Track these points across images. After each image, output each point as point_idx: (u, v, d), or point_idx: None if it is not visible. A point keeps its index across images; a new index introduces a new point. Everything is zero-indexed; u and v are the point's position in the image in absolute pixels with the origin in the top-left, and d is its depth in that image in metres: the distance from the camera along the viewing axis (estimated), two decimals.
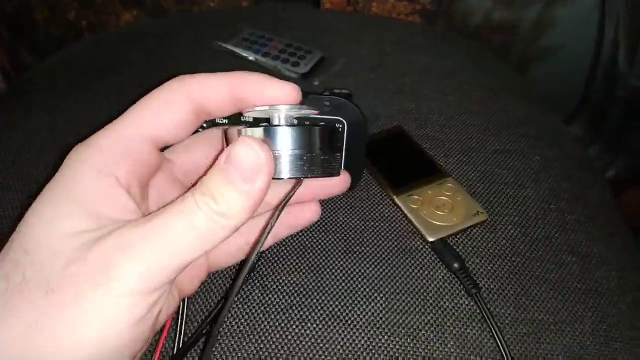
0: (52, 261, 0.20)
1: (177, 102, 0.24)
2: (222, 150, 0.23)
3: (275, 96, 0.24)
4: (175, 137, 0.24)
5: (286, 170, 0.23)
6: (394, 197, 0.37)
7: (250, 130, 0.23)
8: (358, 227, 0.36)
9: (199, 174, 0.28)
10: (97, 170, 0.22)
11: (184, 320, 0.29)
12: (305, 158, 0.23)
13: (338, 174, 0.25)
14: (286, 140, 0.23)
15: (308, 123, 0.25)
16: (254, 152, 0.21)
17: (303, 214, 0.31)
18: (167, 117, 0.24)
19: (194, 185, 0.22)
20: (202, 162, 0.28)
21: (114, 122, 0.23)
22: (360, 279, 0.33)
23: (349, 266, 0.34)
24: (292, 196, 0.24)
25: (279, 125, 0.24)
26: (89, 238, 0.20)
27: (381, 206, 0.38)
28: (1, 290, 0.19)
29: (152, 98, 0.24)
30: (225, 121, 0.28)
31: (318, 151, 0.24)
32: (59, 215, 0.21)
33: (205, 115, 0.25)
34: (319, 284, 0.33)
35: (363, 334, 0.31)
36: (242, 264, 0.31)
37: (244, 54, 0.51)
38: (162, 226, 0.20)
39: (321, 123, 0.26)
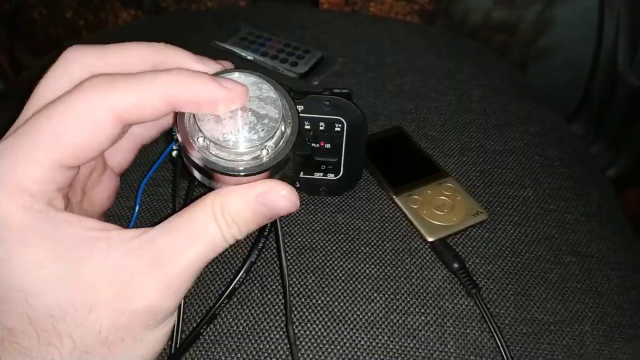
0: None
1: (98, 118, 0.21)
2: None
3: (218, 99, 0.22)
4: (97, 151, 0.22)
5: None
6: (394, 197, 0.37)
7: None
8: (358, 227, 0.36)
9: None
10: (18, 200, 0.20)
11: (181, 319, 0.28)
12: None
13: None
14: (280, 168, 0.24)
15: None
16: (292, 205, 0.22)
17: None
18: (86, 134, 0.21)
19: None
20: None
21: (21, 147, 0.20)
22: (359, 279, 0.33)
23: (349, 266, 0.34)
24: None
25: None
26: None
27: (381, 206, 0.37)
28: None
29: (67, 112, 0.20)
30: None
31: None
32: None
33: (130, 122, 0.22)
34: (319, 284, 0.33)
35: (363, 334, 0.31)
36: (243, 262, 0.30)
37: (242, 54, 0.51)
38: (187, 264, 0.21)
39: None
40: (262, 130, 0.22)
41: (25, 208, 0.20)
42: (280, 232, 0.29)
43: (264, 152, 0.23)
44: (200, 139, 0.22)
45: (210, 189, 0.24)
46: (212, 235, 0.21)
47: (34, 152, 0.20)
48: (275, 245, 0.35)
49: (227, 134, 0.22)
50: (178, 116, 0.23)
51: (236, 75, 0.24)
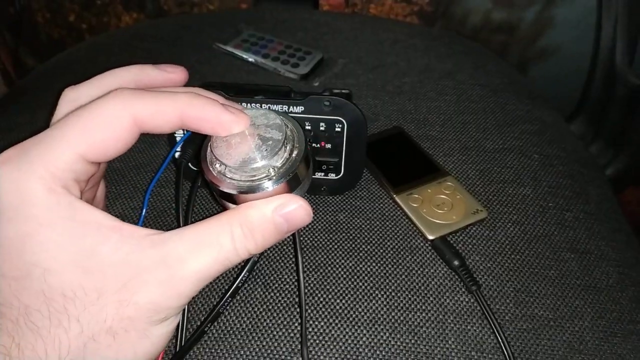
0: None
1: (122, 122, 0.23)
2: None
3: (223, 122, 0.25)
4: (111, 154, 0.24)
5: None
6: (394, 196, 0.38)
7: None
8: (359, 225, 0.36)
9: None
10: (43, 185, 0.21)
11: (186, 318, 0.29)
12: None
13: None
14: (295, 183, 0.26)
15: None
16: (308, 212, 0.24)
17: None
18: (105, 135, 0.23)
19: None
20: None
21: (53, 133, 0.23)
22: (361, 277, 0.34)
23: (350, 264, 0.34)
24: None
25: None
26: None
27: (381, 205, 0.38)
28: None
29: (93, 115, 0.23)
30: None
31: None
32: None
33: (145, 130, 0.24)
34: (321, 282, 0.33)
35: (364, 331, 0.31)
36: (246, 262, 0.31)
37: (244, 56, 0.52)
38: (196, 268, 0.22)
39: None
40: (267, 150, 0.25)
41: (50, 190, 0.21)
42: (299, 250, 0.30)
43: (272, 171, 0.25)
44: (217, 165, 0.25)
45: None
46: (223, 247, 0.22)
47: (63, 143, 0.22)
48: (277, 244, 0.35)
49: (236, 157, 0.25)
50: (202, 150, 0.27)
51: (247, 107, 0.27)
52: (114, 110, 0.23)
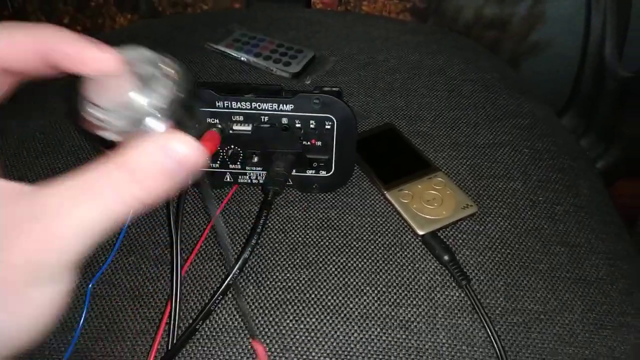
0: None
1: None
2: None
3: (88, 59, 0.22)
4: None
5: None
6: (385, 192, 0.38)
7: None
8: (350, 222, 0.37)
9: None
10: None
11: (177, 317, 0.29)
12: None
13: None
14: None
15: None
16: (197, 147, 0.20)
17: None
18: None
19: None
20: None
21: None
22: (352, 273, 0.34)
23: (341, 261, 0.34)
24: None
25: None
26: None
27: (372, 201, 0.38)
28: None
29: None
30: None
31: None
32: None
33: (3, 65, 0.22)
34: (312, 279, 0.33)
35: (355, 327, 0.31)
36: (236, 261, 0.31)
37: (236, 55, 0.52)
38: (78, 219, 0.19)
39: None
40: (146, 88, 0.22)
41: None
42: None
43: (154, 110, 0.22)
44: (92, 109, 0.22)
45: None
46: (105, 195, 0.19)
47: None
48: (268, 242, 0.35)
49: (113, 97, 0.22)
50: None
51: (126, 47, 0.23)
52: None
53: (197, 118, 0.24)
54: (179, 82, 0.23)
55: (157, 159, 0.20)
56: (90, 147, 0.40)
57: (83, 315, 0.31)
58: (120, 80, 0.22)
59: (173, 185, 0.20)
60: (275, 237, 0.36)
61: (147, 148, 0.20)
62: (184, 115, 0.23)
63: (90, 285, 0.32)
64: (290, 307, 0.32)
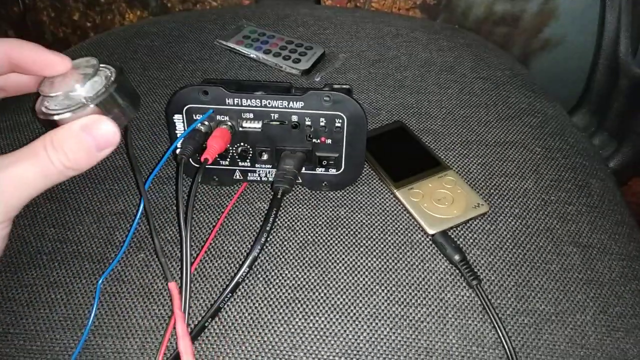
0: None
1: None
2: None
3: (43, 61, 0.30)
4: None
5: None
6: (395, 190, 0.38)
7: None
8: (359, 220, 0.36)
9: None
10: None
11: (186, 314, 0.29)
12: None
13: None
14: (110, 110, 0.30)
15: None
16: (112, 133, 0.28)
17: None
18: None
19: None
20: None
21: None
22: (362, 272, 0.34)
23: (351, 260, 0.34)
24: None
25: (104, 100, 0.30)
26: None
27: (382, 200, 0.38)
28: None
29: None
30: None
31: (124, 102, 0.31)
32: None
33: None
34: (321, 278, 0.33)
35: (365, 326, 0.31)
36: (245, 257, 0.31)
37: (245, 51, 0.52)
38: (17, 174, 0.25)
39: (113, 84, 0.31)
40: (80, 82, 0.29)
41: None
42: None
43: (85, 99, 0.29)
44: (42, 100, 0.30)
45: None
46: (40, 158, 0.26)
47: None
48: (277, 240, 0.35)
49: (56, 89, 0.29)
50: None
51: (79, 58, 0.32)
52: None
53: (124, 109, 0.30)
54: (112, 81, 0.30)
55: (79, 136, 0.26)
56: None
57: (93, 312, 0.31)
58: (65, 78, 0.30)
59: (92, 157, 0.27)
60: (284, 235, 0.35)
61: (72, 126, 0.27)
62: (112, 105, 0.29)
63: (100, 282, 0.32)
64: (299, 305, 0.32)
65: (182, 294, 0.29)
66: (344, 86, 0.36)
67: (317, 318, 0.32)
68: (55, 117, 0.28)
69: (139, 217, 0.35)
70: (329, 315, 0.32)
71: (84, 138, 0.27)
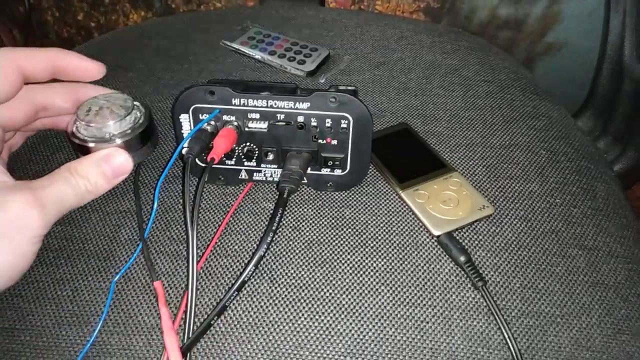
0: None
1: (8, 68, 0.31)
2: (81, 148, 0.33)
3: (82, 67, 0.35)
4: (6, 96, 0.32)
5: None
6: (400, 191, 0.38)
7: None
8: (364, 221, 0.36)
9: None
10: None
11: (193, 312, 0.29)
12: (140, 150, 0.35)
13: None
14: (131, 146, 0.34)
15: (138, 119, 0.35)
16: (126, 162, 0.33)
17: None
18: (1, 81, 0.31)
19: None
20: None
21: None
22: (367, 273, 0.34)
23: (357, 260, 0.34)
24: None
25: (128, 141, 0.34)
26: None
27: (387, 201, 0.38)
28: None
29: None
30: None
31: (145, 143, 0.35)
32: None
33: (27, 76, 0.33)
34: (327, 278, 0.33)
35: (370, 326, 0.31)
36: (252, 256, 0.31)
37: (250, 53, 0.52)
38: (56, 192, 0.29)
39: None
40: (112, 119, 0.33)
41: None
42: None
43: (110, 134, 0.33)
44: (77, 125, 0.34)
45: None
46: (69, 181, 0.30)
47: None
48: (283, 239, 0.35)
49: (91, 119, 0.33)
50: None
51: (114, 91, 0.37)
52: (2, 60, 0.31)
53: (142, 149, 0.35)
54: (139, 124, 0.34)
55: (99, 165, 0.31)
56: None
57: (105, 310, 0.31)
58: (101, 111, 0.34)
59: (110, 182, 0.32)
60: (289, 235, 0.36)
61: (94, 157, 0.32)
62: (133, 145, 0.34)
63: (115, 280, 0.32)
64: (304, 305, 0.32)
65: (188, 292, 0.29)
66: (350, 87, 0.36)
67: (322, 317, 0.32)
68: (89, 145, 0.33)
69: (151, 222, 0.35)
70: (334, 314, 0.32)
71: (104, 167, 0.32)
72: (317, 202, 0.38)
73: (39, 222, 0.28)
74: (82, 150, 0.34)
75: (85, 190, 0.31)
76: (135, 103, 0.36)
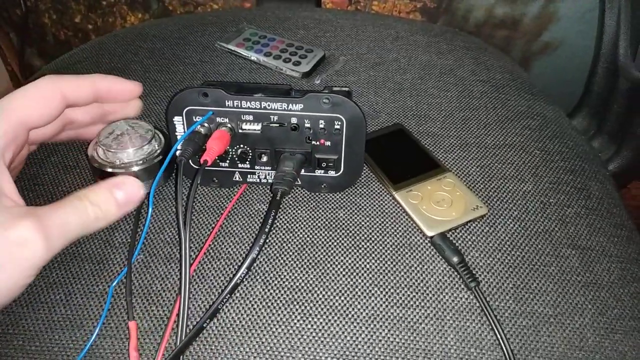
0: None
1: (52, 96, 0.32)
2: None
3: (121, 89, 0.36)
4: (45, 119, 0.32)
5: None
6: (394, 192, 0.38)
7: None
8: (358, 222, 0.37)
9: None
10: None
11: (186, 315, 0.29)
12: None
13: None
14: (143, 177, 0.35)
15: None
16: (139, 190, 0.32)
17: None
18: (42, 107, 0.31)
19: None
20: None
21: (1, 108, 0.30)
22: (360, 274, 0.34)
23: (350, 261, 0.34)
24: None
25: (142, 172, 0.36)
26: None
27: (381, 202, 0.38)
28: None
29: (32, 90, 0.31)
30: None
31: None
32: None
33: (69, 101, 0.33)
34: (320, 279, 0.33)
35: (363, 328, 0.31)
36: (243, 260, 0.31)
37: (246, 54, 0.52)
38: (62, 219, 0.28)
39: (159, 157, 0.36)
40: (131, 147, 0.35)
41: None
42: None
43: (125, 162, 0.35)
44: (98, 148, 0.36)
45: None
46: (79, 209, 0.29)
47: (9, 112, 0.30)
48: (276, 241, 0.35)
49: (113, 147, 0.35)
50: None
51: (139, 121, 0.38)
52: (46, 85, 0.32)
53: (158, 175, 0.35)
54: (157, 154, 0.36)
55: (111, 192, 0.31)
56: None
57: (103, 315, 0.31)
58: (123, 138, 0.36)
59: (120, 210, 0.31)
60: (283, 236, 0.36)
61: (106, 184, 0.31)
62: (148, 174, 0.36)
63: (112, 286, 0.32)
64: (298, 307, 0.32)
65: (181, 296, 0.30)
66: (344, 88, 0.36)
67: (315, 319, 0.32)
68: (107, 169, 0.35)
69: (147, 227, 0.35)
70: (327, 316, 0.32)
71: (115, 194, 0.31)
72: (311, 203, 0.38)
73: (41, 250, 0.27)
74: (97, 172, 0.35)
75: (95, 217, 0.30)
76: (157, 132, 0.37)
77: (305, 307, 0.32)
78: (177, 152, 0.34)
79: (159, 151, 0.36)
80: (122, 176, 0.32)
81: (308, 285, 0.33)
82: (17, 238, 0.26)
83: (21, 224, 0.26)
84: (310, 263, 0.34)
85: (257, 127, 0.35)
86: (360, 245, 0.35)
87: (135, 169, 0.35)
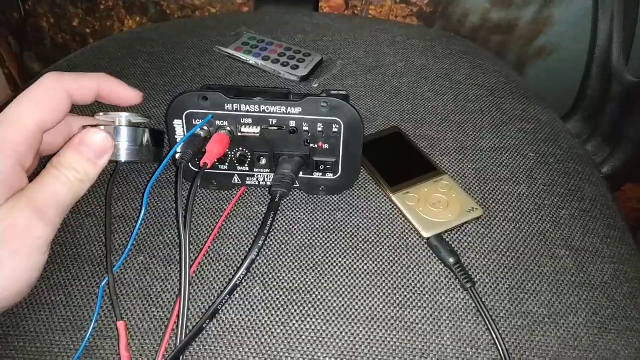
0: None
1: (58, 94, 0.32)
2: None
3: (123, 94, 0.36)
4: (56, 120, 0.32)
5: (123, 155, 0.35)
6: (391, 194, 0.38)
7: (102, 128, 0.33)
8: (356, 224, 0.37)
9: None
10: (12, 158, 0.30)
11: (185, 316, 0.30)
12: (136, 148, 0.35)
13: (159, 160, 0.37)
14: (124, 135, 0.35)
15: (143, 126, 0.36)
16: (104, 139, 0.31)
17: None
18: (53, 108, 0.32)
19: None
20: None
21: (11, 112, 0.30)
22: (358, 275, 0.34)
23: (348, 263, 0.35)
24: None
25: (120, 125, 0.35)
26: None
27: (378, 204, 0.38)
28: None
29: (39, 94, 0.31)
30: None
31: (146, 144, 0.36)
32: None
33: (74, 99, 0.33)
34: (318, 281, 0.34)
35: (361, 328, 0.32)
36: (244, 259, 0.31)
37: (244, 58, 0.52)
38: (50, 194, 0.29)
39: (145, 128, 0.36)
40: (122, 119, 0.35)
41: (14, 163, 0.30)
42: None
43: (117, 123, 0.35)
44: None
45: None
46: (60, 178, 0.30)
47: (23, 118, 0.30)
48: (275, 243, 0.36)
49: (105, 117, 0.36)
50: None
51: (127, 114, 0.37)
52: (53, 85, 0.32)
53: (143, 145, 0.36)
54: (145, 127, 0.36)
55: (78, 149, 0.30)
56: None
57: (96, 313, 0.31)
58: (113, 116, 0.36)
59: (97, 165, 0.31)
60: (281, 238, 0.36)
61: (71, 143, 0.31)
62: (143, 151, 0.36)
63: (102, 285, 0.33)
64: (296, 308, 0.32)
65: (181, 297, 0.30)
66: (341, 92, 0.37)
67: (313, 320, 0.32)
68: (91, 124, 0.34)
69: (140, 223, 0.36)
70: (325, 317, 0.32)
71: (83, 150, 0.31)
72: (309, 205, 0.38)
73: (43, 229, 0.28)
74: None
75: (77, 180, 0.30)
76: (147, 129, 0.37)
77: (304, 307, 0.32)
78: (177, 155, 0.34)
79: (147, 130, 0.36)
80: (82, 131, 0.31)
81: (306, 286, 0.33)
82: (14, 223, 0.27)
83: (16, 208, 0.27)
84: (308, 264, 0.35)
85: (256, 130, 0.36)
86: (358, 247, 0.36)
87: (121, 126, 0.34)
